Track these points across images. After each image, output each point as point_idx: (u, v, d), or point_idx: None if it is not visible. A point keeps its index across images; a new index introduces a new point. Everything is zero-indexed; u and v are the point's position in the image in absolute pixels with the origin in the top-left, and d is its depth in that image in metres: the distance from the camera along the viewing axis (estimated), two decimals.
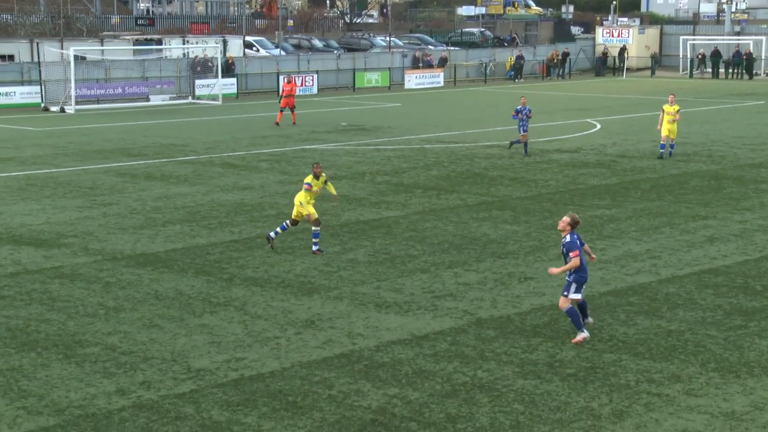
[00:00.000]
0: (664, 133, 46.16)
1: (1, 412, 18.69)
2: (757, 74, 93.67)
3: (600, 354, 21.47)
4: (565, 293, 22.02)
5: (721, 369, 21.04)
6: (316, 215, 30.16)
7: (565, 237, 21.88)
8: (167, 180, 42.45)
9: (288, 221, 30.49)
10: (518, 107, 48.59)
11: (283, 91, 60.63)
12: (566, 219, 21.97)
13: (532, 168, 45.66)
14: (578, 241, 21.80)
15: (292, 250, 30.51)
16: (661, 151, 45.94)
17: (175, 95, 73.61)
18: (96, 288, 26.68)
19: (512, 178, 42.99)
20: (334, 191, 31.56)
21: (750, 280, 27.57)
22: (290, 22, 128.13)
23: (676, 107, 46.52)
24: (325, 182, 30.94)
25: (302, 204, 30.06)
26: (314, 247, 30.56)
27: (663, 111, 46.77)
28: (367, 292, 26.30)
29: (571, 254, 21.54)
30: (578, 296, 22.06)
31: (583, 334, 22.09)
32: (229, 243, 29.78)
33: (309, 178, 30.26)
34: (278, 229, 30.77)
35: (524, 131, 48.48)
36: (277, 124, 58.24)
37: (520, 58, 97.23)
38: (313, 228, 30.33)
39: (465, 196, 39.06)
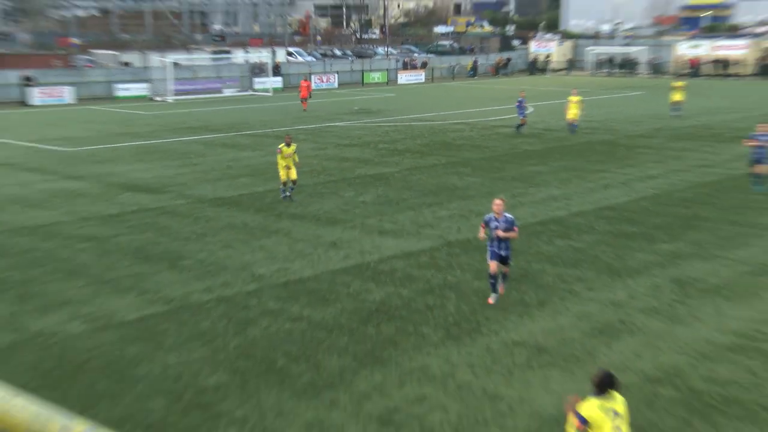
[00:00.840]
0: (569, 116, 46.31)
1: (129, 302, 19.24)
2: (638, 74, 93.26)
3: (530, 264, 22.01)
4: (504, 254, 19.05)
5: (611, 273, 21.62)
6: (284, 178, 29.89)
7: (503, 216, 18.59)
8: (236, 147, 42.68)
9: (281, 184, 30.14)
10: (520, 98, 47.42)
11: (301, 87, 60.15)
12: (500, 202, 18.89)
13: (485, 138, 45.81)
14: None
15: (320, 196, 30.80)
16: (571, 127, 45.86)
17: (239, 89, 73.30)
18: (189, 220, 27.28)
19: (471, 145, 43.18)
20: (296, 159, 30.15)
21: (631, 213, 27.95)
22: (318, 38, 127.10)
23: (579, 97, 46.75)
24: (294, 151, 29.96)
25: (285, 167, 29.63)
26: (283, 195, 30.17)
27: (568, 100, 46.78)
28: (372, 223, 26.78)
29: (515, 228, 18.93)
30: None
31: (492, 298, 19.35)
32: (278, 190, 30.00)
33: (281, 145, 29.82)
34: (287, 193, 30.00)
35: (523, 116, 47.31)
36: (305, 110, 57.74)
37: (476, 62, 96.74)
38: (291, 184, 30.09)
39: (439, 157, 39.26)
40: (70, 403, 13.98)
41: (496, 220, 18.30)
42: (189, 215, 28.16)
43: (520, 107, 47.11)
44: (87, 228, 26.25)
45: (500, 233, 18.51)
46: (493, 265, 18.70)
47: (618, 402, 10.34)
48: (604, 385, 10.24)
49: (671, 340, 17.24)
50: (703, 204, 29.50)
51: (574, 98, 46.50)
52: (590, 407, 10.02)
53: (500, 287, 19.20)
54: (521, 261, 22.47)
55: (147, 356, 16.38)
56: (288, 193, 29.88)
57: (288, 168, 29.56)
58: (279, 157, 29.69)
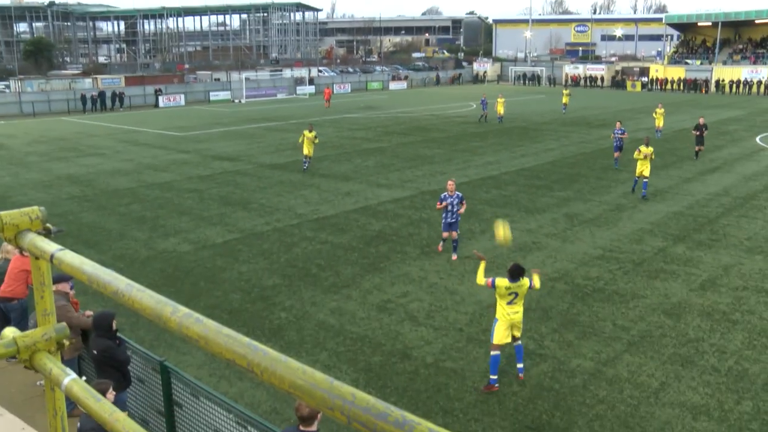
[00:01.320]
0: (498, 112, 45.09)
1: (218, 231, 19.14)
2: (539, 84, 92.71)
3: (475, 206, 21.65)
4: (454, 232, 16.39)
5: (526, 211, 21.45)
6: (307, 153, 27.80)
7: (455, 193, 16.34)
8: (284, 131, 42.16)
9: (304, 157, 28.03)
10: (482, 98, 46.28)
11: (325, 92, 59.79)
12: (452, 183, 16.61)
13: (445, 124, 45.25)
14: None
15: (339, 162, 30.45)
16: (499, 119, 44.98)
17: (287, 94, 72.56)
18: (254, 179, 26.83)
19: (437, 129, 42.71)
20: (316, 141, 27.95)
21: (538, 172, 27.73)
22: (338, 60, 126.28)
23: (503, 99, 45.88)
24: (315, 136, 27.74)
25: (303, 144, 27.68)
26: (305, 166, 28.04)
27: (497, 101, 45.91)
28: (373, 179, 26.43)
29: (464, 202, 16.55)
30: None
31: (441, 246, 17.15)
32: (312, 159, 29.59)
33: (305, 131, 27.84)
34: (305, 166, 27.96)
35: (485, 110, 45.65)
36: (327, 107, 57.05)
37: (438, 75, 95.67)
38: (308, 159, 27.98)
39: (416, 137, 38.84)
40: (182, 295, 14.05)
41: (450, 196, 16.23)
42: (254, 175, 27.69)
43: (483, 103, 45.92)
44: (191, 184, 25.95)
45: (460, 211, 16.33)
46: (444, 234, 16.74)
47: (522, 286, 10.37)
48: (515, 274, 10.34)
49: (563, 253, 17.05)
50: (582, 166, 29.21)
51: (500, 100, 45.44)
52: (502, 282, 10.32)
53: (453, 256, 16.42)
54: (470, 204, 22.10)
55: (229, 266, 16.23)
56: (306, 165, 28.03)
57: (309, 146, 27.67)
58: (302, 138, 27.83)
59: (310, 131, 27.65)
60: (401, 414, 1.76)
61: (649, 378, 10.66)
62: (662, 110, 38.48)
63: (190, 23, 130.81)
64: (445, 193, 16.48)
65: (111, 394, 6.87)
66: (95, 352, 8.20)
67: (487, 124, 44.67)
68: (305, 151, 27.83)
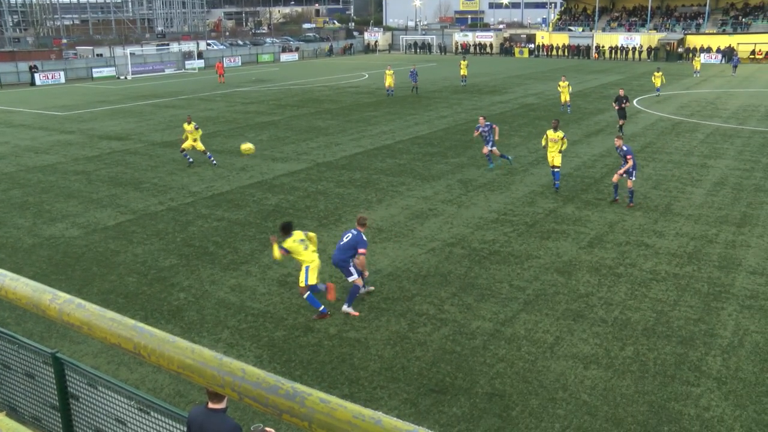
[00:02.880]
0: (387, 84, 43.39)
1: (109, 214, 18.38)
2: (431, 52, 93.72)
3: (371, 175, 21.81)
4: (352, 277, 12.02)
5: (422, 178, 21.73)
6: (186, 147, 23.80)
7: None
8: (174, 107, 40.88)
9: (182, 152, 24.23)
10: (412, 69, 45.31)
11: (216, 66, 57.79)
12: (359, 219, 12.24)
13: (338, 95, 45.05)
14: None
15: (233, 137, 29.76)
16: (389, 91, 43.94)
17: (175, 69, 70.33)
18: (145, 158, 25.86)
19: (330, 100, 42.51)
20: (198, 133, 23.70)
21: (432, 140, 28.14)
22: (226, 33, 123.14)
23: (392, 71, 44.36)
24: (196, 127, 23.60)
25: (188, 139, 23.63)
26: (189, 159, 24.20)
27: (385, 73, 44.81)
28: (268, 153, 26.06)
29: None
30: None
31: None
32: (205, 135, 28.71)
33: (184, 124, 23.83)
34: (190, 159, 24.17)
35: (415, 81, 44.42)
36: (222, 82, 55.27)
37: (332, 46, 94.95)
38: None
39: (309, 108, 38.50)
40: (74, 282, 13.53)
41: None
42: (145, 154, 26.70)
43: (412, 75, 44.74)
44: (77, 165, 24.74)
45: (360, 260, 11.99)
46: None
47: (301, 235, 11.76)
48: (287, 229, 11.63)
49: (459, 218, 17.43)
50: (473, 132, 29.73)
51: (389, 71, 44.71)
52: (287, 243, 11.54)
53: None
54: (365, 173, 22.32)
55: (122, 249, 15.66)
56: (191, 159, 24.28)
57: (195, 140, 23.73)
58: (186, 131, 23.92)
59: (189, 123, 23.78)
60: (292, 386, 1.76)
61: (545, 334, 11.15)
62: (566, 83, 35.66)
63: None
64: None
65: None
66: None
67: (379, 94, 44.76)
68: (186, 144, 23.95)
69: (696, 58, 60.48)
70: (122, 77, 64.10)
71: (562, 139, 19.74)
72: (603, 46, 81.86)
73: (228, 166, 24.08)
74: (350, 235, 11.91)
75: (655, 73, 42.30)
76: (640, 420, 8.85)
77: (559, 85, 36.04)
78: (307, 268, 11.67)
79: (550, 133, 19.87)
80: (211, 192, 20.54)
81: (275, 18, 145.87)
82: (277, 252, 11.67)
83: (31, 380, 8.26)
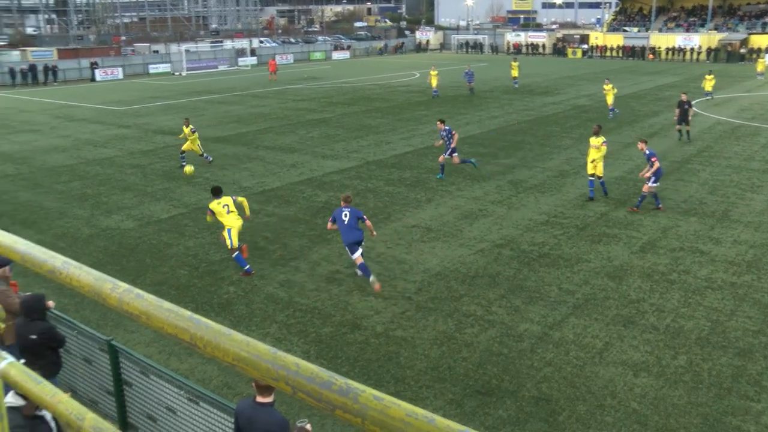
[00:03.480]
0: (432, 84, 42.43)
1: (162, 207, 18.75)
2: (482, 52, 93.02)
3: (420, 174, 21.71)
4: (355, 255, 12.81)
5: (472, 179, 21.58)
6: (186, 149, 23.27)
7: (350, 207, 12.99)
8: (227, 103, 41.54)
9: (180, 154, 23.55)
10: (467, 69, 44.10)
11: (269, 63, 58.03)
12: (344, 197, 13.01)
13: (389, 93, 45.02)
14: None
15: (284, 134, 30.04)
16: (434, 93, 42.72)
17: (229, 65, 71.60)
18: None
19: (380, 98, 42.51)
20: (195, 140, 23.20)
21: (482, 140, 27.94)
22: (279, 31, 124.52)
23: (436, 72, 43.08)
24: (193, 131, 22.90)
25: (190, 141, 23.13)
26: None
27: (429, 74, 43.77)
28: (318, 151, 26.26)
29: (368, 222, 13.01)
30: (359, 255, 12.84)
31: (375, 283, 12.84)
32: (255, 132, 29.00)
33: (183, 128, 23.22)
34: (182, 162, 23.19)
35: (470, 82, 43.26)
36: (273, 80, 55.53)
37: (386, 45, 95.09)
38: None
39: (360, 107, 38.64)
40: (128, 273, 13.83)
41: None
42: None
43: (467, 75, 43.64)
44: (133, 159, 25.37)
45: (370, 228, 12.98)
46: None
47: (227, 200, 13.59)
48: (216, 192, 13.71)
49: (509, 219, 17.28)
50: (525, 134, 29.54)
51: (433, 72, 43.68)
52: (212, 205, 13.55)
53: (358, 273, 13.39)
54: (415, 172, 22.30)
55: (175, 241, 16.00)
56: (185, 162, 22.91)
57: (192, 142, 23.04)
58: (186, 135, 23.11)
59: (187, 126, 22.90)
60: (345, 382, 1.76)
61: (594, 339, 10.96)
62: (610, 85, 33.91)
63: None
64: (340, 208, 12.97)
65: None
66: (34, 336, 7.80)
67: (429, 93, 44.63)
68: (186, 146, 23.08)
69: (760, 60, 58.24)
70: (177, 73, 65.35)
71: (602, 144, 18.55)
72: (659, 47, 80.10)
73: (278, 162, 24.33)
74: (347, 212, 12.60)
75: (707, 76, 40.76)
76: None
77: (604, 88, 34.56)
78: (229, 230, 13.42)
79: (592, 139, 18.90)
80: (262, 188, 20.78)
81: (327, 16, 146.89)
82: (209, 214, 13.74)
83: (88, 365, 8.49)
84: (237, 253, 13.63)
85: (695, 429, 8.66)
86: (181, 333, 2.03)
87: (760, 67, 55.87)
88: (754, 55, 69.53)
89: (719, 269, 13.97)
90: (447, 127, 21.28)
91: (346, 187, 20.64)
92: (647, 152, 17.65)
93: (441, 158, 21.41)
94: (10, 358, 2.58)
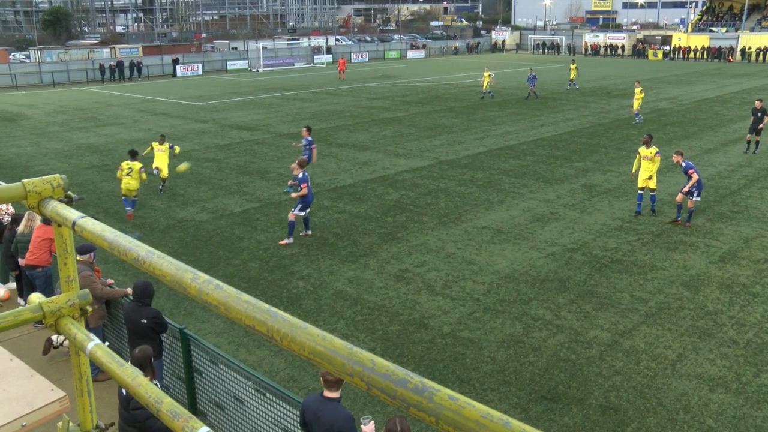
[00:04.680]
0: (485, 85, 42.03)
1: (236, 200, 19.18)
2: (560, 53, 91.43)
3: (493, 175, 21.50)
4: (294, 210, 15.41)
5: (544, 181, 21.16)
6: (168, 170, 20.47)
7: (298, 174, 14.91)
8: (302, 100, 42.08)
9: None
10: (530, 74, 42.35)
11: (339, 62, 58.28)
12: (295, 164, 15.12)
13: (463, 93, 44.70)
14: (305, 178, 15.01)
15: (357, 131, 30.25)
16: (485, 94, 41.98)
17: (305, 62, 72.47)
18: (272, 148, 26.75)
19: (454, 98, 42.31)
20: (177, 150, 20.58)
21: (557, 142, 27.47)
22: (355, 29, 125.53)
23: (489, 73, 42.48)
24: (171, 146, 20.31)
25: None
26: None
27: (483, 75, 42.53)
28: (390, 149, 26.32)
29: (302, 185, 14.87)
30: (302, 213, 15.41)
31: (288, 240, 15.54)
32: (330, 129, 29.36)
33: (154, 143, 20.43)
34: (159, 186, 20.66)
35: (532, 86, 41.83)
36: (342, 78, 55.80)
37: (468, 43, 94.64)
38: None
39: (434, 106, 38.55)
40: (201, 263, 14.16)
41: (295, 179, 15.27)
42: (272, 144, 27.65)
43: (530, 79, 42.42)
44: (209, 153, 26.02)
45: (293, 194, 15.25)
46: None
47: (133, 165, 17.20)
48: (132, 155, 17.34)
49: (581, 224, 16.95)
50: (600, 136, 28.91)
51: (486, 73, 42.78)
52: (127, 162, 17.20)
53: (304, 232, 15.85)
54: (487, 173, 22.13)
55: (247, 235, 16.32)
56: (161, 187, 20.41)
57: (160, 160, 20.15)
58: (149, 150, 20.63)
59: (161, 143, 20.13)
60: (421, 380, 1.77)
61: (666, 350, 10.64)
62: (640, 89, 32.82)
63: None
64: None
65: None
66: (144, 320, 8.32)
67: (503, 93, 44.17)
68: (157, 163, 20.22)
69: None
70: (254, 70, 66.74)
71: (655, 155, 17.27)
72: (749, 48, 76.91)
73: (351, 159, 24.54)
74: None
75: None
76: None
77: (634, 93, 33.13)
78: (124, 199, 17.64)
79: (642, 150, 17.49)
80: (334, 184, 21.00)
81: (403, 15, 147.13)
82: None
83: (163, 352, 8.77)
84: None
85: None
86: (259, 325, 2.08)
87: None
88: None
89: None
90: (310, 138, 19.94)
91: (418, 186, 20.68)
92: (684, 164, 16.50)
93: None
94: (96, 340, 2.70)
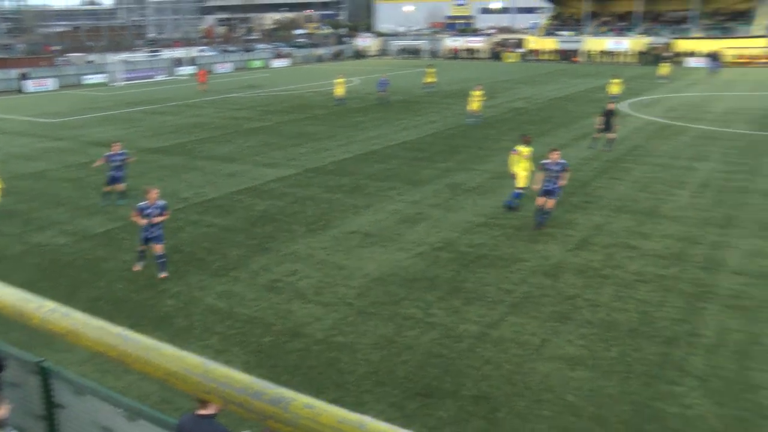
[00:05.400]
0: (338, 92, 42.07)
1: (97, 221, 18.36)
2: (422, 57, 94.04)
3: (358, 181, 21.79)
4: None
5: (410, 183, 21.72)
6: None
7: (156, 203, 13.93)
8: (164, 114, 40.60)
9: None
10: (381, 79, 43.00)
11: (199, 74, 56.42)
12: (155, 193, 14.04)
13: (327, 101, 44.56)
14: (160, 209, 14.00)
15: (222, 143, 29.70)
16: (336, 101, 42.42)
17: (166, 75, 70.29)
18: (135, 164, 25.63)
19: (319, 106, 42.40)
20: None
21: (420, 145, 28.22)
22: (218, 39, 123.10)
23: (342, 80, 42.66)
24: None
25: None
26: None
27: (335, 82, 42.73)
28: (257, 159, 26.00)
29: (165, 213, 14.11)
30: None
31: (139, 266, 14.56)
32: (194, 141, 28.49)
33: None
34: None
35: (382, 90, 42.21)
36: (204, 90, 54.18)
37: (323, 52, 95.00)
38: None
39: (298, 114, 38.46)
40: (61, 289, 13.54)
41: (149, 207, 13.84)
42: (135, 160, 26.49)
43: (381, 84, 42.87)
44: (67, 172, 24.67)
45: (155, 220, 13.85)
46: (143, 246, 14.37)
47: None
48: None
49: (447, 222, 17.54)
50: (462, 137, 30.01)
51: (339, 80, 42.73)
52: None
53: (161, 275, 14.13)
54: (353, 179, 22.39)
55: (111, 256, 15.67)
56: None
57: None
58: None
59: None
60: (277, 391, 1.82)
61: (531, 336, 11.25)
62: (480, 92, 33.89)
63: (56, 0, 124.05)
64: (145, 203, 14.00)
65: (5, 408, 6.47)
66: None
67: (366, 99, 44.77)
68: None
69: (662, 64, 60.23)
70: (112, 84, 63.97)
71: (529, 153, 17.95)
72: (591, 51, 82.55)
73: (217, 172, 24.06)
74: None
75: (612, 80, 41.74)
76: (624, 419, 8.96)
77: (471, 95, 33.98)
78: None
79: (524, 149, 17.93)
80: (201, 198, 20.54)
81: (267, 24, 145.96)
82: None
83: (18, 390, 8.26)
84: None
85: (626, 416, 9.04)
86: (110, 350, 2.07)
87: (663, 71, 57.78)
88: (660, 61, 70.44)
89: (648, 263, 14.52)
90: (123, 152, 19.30)
91: (285, 195, 20.60)
92: (563, 162, 16.53)
93: (107, 188, 19.57)
94: None
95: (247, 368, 10.37)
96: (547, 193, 16.54)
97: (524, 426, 8.87)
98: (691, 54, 76.49)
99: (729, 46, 76.00)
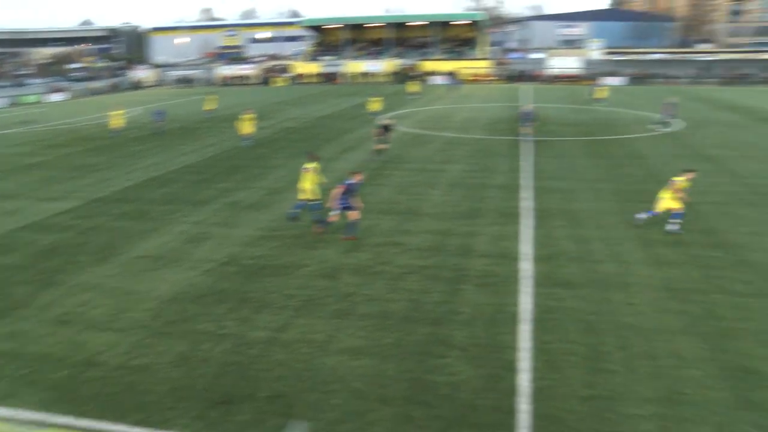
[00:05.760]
0: (115, 123, 39.48)
1: None
2: (195, 86, 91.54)
3: (142, 206, 20.63)
4: None
5: (193, 204, 21.07)
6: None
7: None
8: None
9: None
10: (156, 111, 40.88)
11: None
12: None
13: (105, 132, 41.49)
14: None
15: (1, 180, 26.57)
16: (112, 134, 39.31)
17: None
18: None
19: (98, 137, 39.40)
20: None
21: (200, 167, 27.40)
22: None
23: (122, 111, 40.44)
24: None
25: None
26: None
27: (111, 114, 39.77)
28: (38, 194, 23.56)
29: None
30: None
31: None
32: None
33: None
34: None
35: (161, 120, 39.80)
36: None
37: (117, 83, 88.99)
38: None
39: (78, 147, 35.45)
40: None
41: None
42: None
43: (158, 114, 40.54)
44: None
45: None
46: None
47: None
48: None
49: (230, 239, 17.27)
50: (238, 158, 29.68)
51: (118, 112, 39.96)
52: None
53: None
54: (137, 205, 21.21)
55: None
56: None
57: None
58: None
59: None
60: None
61: (318, 334, 11.44)
62: (250, 115, 33.46)
63: None
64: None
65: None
66: None
67: (146, 129, 42.63)
68: None
69: (412, 82, 65.61)
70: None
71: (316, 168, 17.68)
72: (351, 73, 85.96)
73: None
74: None
75: (371, 99, 44.48)
76: (404, 395, 9.47)
77: (241, 118, 33.42)
78: None
79: (311, 165, 17.58)
80: None
81: (42, 58, 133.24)
82: None
83: None
84: None
85: (405, 392, 9.56)
86: None
87: (412, 89, 62.60)
88: (408, 81, 74.61)
89: (414, 256, 15.41)
90: None
91: (71, 227, 18.93)
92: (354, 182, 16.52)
93: None
94: None
95: (45, 405, 9.44)
96: (346, 208, 16.60)
97: (318, 416, 9.03)
98: (434, 73, 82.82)
99: (462, 67, 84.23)
